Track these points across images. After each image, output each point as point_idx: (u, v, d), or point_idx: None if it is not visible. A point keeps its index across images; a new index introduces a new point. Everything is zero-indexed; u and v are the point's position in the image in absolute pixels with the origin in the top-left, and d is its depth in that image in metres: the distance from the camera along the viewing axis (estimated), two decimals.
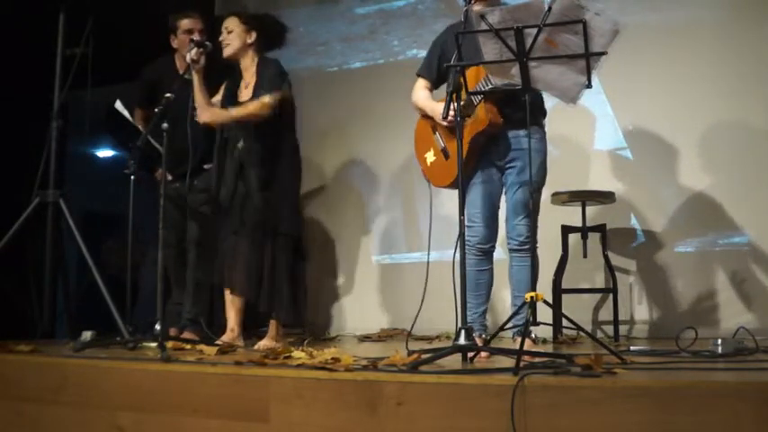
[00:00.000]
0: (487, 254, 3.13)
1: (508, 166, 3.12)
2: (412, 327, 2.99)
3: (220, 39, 3.64)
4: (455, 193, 3.26)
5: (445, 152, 3.20)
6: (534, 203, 3.03)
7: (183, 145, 3.53)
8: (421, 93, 3.29)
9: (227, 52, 3.63)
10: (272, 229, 3.53)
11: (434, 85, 3.31)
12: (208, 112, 3.55)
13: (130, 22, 4.56)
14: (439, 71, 3.25)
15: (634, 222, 4.50)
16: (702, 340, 2.88)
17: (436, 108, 3.14)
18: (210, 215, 3.93)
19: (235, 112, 3.56)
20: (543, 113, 3.21)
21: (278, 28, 3.75)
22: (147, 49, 4.26)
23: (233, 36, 3.62)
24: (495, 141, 3.10)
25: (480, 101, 3.02)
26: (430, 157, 3.26)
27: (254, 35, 3.63)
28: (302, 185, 3.85)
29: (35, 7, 4.45)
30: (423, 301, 2.92)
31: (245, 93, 3.64)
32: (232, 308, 3.62)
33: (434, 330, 4.19)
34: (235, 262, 3.58)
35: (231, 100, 3.67)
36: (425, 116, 3.28)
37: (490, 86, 2.92)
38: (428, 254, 3.09)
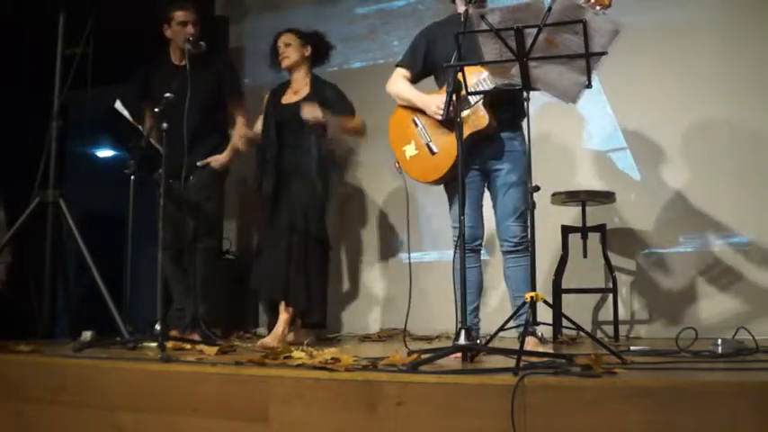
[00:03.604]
0: (474, 252, 3.14)
1: (495, 168, 3.12)
2: (405, 327, 3.00)
3: (279, 52, 4.05)
4: (442, 193, 3.29)
5: (430, 147, 3.16)
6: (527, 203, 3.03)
7: (179, 141, 3.55)
8: (402, 83, 3.26)
9: (286, 63, 4.04)
10: (306, 233, 3.86)
11: (414, 79, 3.29)
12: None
13: (130, 22, 4.55)
14: (424, 65, 3.23)
15: (634, 222, 4.49)
16: (702, 340, 2.88)
17: (428, 100, 3.13)
18: (212, 213, 4.08)
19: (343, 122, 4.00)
20: (524, 115, 3.18)
21: (328, 46, 4.20)
22: (146, 49, 4.27)
23: (291, 49, 4.03)
24: (487, 142, 3.09)
25: (479, 100, 3.02)
26: (410, 150, 3.22)
27: (309, 49, 4.07)
28: None
29: (35, 7, 4.45)
30: (410, 300, 2.94)
31: (292, 97, 4.01)
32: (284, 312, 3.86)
33: (434, 330, 4.19)
34: (279, 271, 3.87)
35: (274, 102, 4.06)
36: (405, 107, 3.25)
37: (490, 86, 2.92)
38: (408, 252, 3.10)
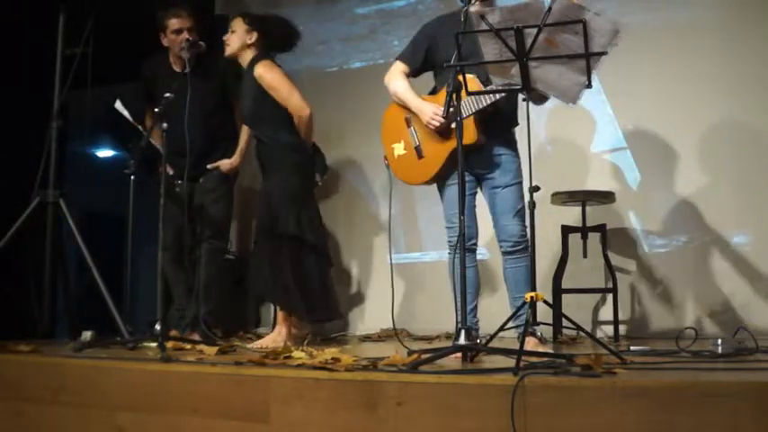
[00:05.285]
0: (470, 252, 3.12)
1: (484, 175, 3.14)
2: (393, 325, 3.00)
3: (224, 37, 3.71)
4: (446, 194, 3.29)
5: (419, 151, 3.17)
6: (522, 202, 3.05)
7: (180, 142, 3.57)
8: (400, 81, 3.23)
9: (226, 52, 3.71)
10: (271, 229, 3.61)
11: (413, 74, 3.27)
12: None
13: (130, 22, 4.56)
14: (424, 62, 3.22)
15: (634, 222, 4.50)
16: (702, 340, 2.88)
17: (423, 107, 3.13)
18: (220, 215, 4.06)
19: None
20: (515, 123, 3.21)
21: (284, 30, 3.75)
22: (147, 49, 4.27)
23: (234, 36, 3.68)
24: (475, 153, 3.07)
25: (470, 115, 3.01)
26: (399, 149, 3.22)
27: (254, 36, 3.67)
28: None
29: (35, 7, 4.45)
30: (393, 299, 2.94)
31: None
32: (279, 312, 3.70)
33: (434, 330, 4.19)
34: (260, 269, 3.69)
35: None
36: (400, 105, 3.24)
37: (486, 104, 2.94)
38: (389, 249, 3.09)
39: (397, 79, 3.25)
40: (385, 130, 3.29)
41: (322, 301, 3.70)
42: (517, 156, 3.15)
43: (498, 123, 3.10)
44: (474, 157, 3.07)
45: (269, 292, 3.67)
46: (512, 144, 3.16)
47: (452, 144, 2.98)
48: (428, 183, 3.21)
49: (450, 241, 3.13)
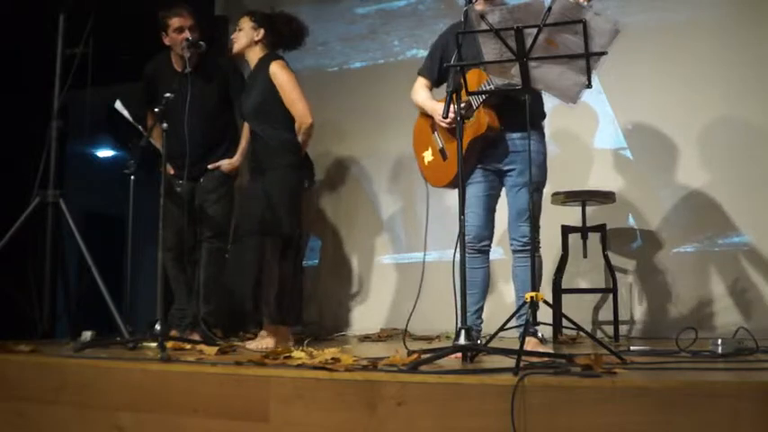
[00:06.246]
0: (481, 252, 3.13)
1: (507, 168, 3.13)
2: (406, 327, 2.98)
3: (232, 36, 3.75)
4: (454, 193, 3.29)
5: (443, 153, 3.21)
6: (535, 204, 3.03)
7: (181, 142, 3.58)
8: (422, 92, 3.31)
9: (234, 49, 3.72)
10: (253, 230, 3.58)
11: (435, 85, 3.34)
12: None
13: (130, 22, 4.56)
14: (440, 71, 3.27)
15: (634, 222, 4.50)
16: (702, 340, 2.88)
17: (436, 107, 3.16)
18: (221, 215, 4.02)
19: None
20: (542, 116, 3.21)
21: (291, 27, 3.74)
22: (147, 49, 4.27)
23: (241, 34, 3.70)
24: (493, 145, 3.10)
25: (479, 105, 3.02)
26: (428, 156, 3.28)
27: (261, 32, 3.68)
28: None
29: (35, 7, 4.45)
30: (417, 300, 2.91)
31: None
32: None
33: (434, 330, 4.19)
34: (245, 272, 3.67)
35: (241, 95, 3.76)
36: (425, 114, 3.30)
37: (490, 87, 2.92)
38: (424, 252, 3.10)
39: (419, 91, 3.32)
40: (415, 142, 3.37)
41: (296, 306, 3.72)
42: (541, 152, 3.13)
43: (518, 115, 2.96)
44: (495, 148, 3.09)
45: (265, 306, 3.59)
46: (537, 138, 3.11)
47: (467, 138, 2.99)
48: (453, 182, 3.14)
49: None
